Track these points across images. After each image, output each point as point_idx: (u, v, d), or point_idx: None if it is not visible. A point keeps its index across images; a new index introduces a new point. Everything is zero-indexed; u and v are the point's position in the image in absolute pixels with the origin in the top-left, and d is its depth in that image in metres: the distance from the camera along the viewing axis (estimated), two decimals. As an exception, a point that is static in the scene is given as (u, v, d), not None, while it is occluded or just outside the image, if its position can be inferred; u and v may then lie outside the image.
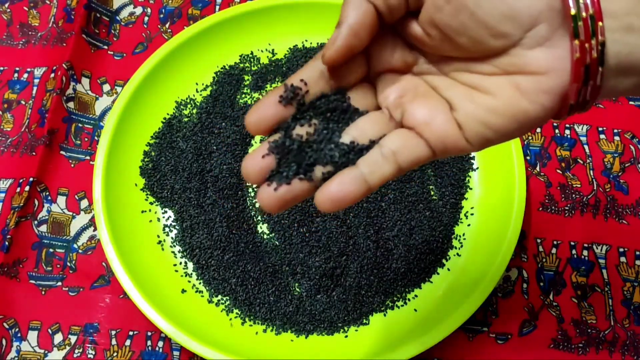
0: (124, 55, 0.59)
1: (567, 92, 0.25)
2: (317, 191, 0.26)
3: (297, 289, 0.48)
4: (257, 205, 0.51)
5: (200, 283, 0.49)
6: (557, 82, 0.25)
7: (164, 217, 0.51)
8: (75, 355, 0.47)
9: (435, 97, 0.28)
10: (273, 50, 0.58)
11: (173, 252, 0.50)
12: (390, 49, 0.29)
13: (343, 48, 0.26)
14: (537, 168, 0.54)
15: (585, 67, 0.24)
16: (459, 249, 0.50)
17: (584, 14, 0.24)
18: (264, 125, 0.27)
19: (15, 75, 0.58)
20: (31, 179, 0.51)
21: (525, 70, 0.25)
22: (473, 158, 0.53)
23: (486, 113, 0.26)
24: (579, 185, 0.53)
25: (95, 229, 0.51)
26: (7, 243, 0.49)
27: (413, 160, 0.27)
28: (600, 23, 0.24)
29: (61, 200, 0.52)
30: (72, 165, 0.54)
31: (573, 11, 0.24)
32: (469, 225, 0.51)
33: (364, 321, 0.47)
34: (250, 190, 0.52)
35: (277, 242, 0.50)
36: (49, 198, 0.52)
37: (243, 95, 0.56)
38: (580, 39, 0.24)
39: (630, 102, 0.57)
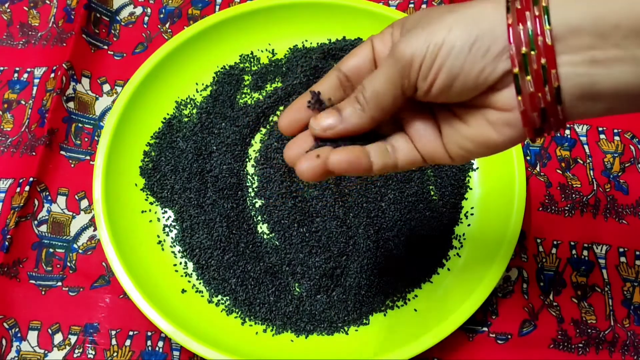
0: (124, 55, 0.59)
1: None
2: (331, 153, 0.30)
3: (297, 289, 0.48)
4: (257, 205, 0.52)
5: (200, 283, 0.49)
6: (519, 118, 0.27)
7: (164, 217, 0.51)
8: (75, 355, 0.47)
9: (428, 117, 0.31)
10: (273, 50, 0.58)
11: (173, 252, 0.50)
12: None
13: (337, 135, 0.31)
14: (537, 168, 0.54)
15: (542, 110, 0.26)
16: (459, 249, 0.50)
17: (535, 65, 0.26)
18: (296, 127, 0.32)
19: (15, 75, 0.58)
20: (31, 179, 0.51)
21: (493, 106, 0.28)
22: (473, 158, 0.53)
23: (462, 139, 0.30)
24: (579, 185, 0.53)
25: (95, 229, 0.51)
26: (7, 243, 0.49)
27: (408, 161, 0.32)
28: (553, 71, 0.25)
29: (61, 200, 0.52)
30: (72, 165, 0.54)
31: (515, 70, 0.26)
32: (469, 225, 0.51)
33: (364, 321, 0.47)
34: (250, 190, 0.52)
35: (277, 242, 0.50)
36: (49, 198, 0.52)
37: (243, 95, 0.56)
38: (526, 92, 0.26)
39: (630, 102, 0.57)
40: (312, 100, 0.32)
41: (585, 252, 0.51)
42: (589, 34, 0.25)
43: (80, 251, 0.51)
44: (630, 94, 0.26)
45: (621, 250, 0.51)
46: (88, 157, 0.54)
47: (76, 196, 0.53)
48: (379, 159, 0.31)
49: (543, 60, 0.25)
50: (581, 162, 0.54)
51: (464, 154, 0.30)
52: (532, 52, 0.25)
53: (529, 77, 0.26)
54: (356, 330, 0.47)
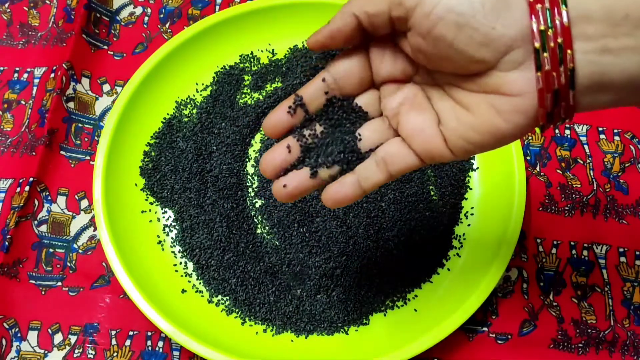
0: (124, 55, 0.59)
1: (537, 114, 0.27)
2: (322, 191, 0.32)
3: (297, 289, 0.48)
4: (257, 205, 0.52)
5: (200, 283, 0.49)
6: (530, 103, 0.26)
7: (164, 217, 0.51)
8: (75, 355, 0.47)
9: (427, 109, 0.30)
10: (273, 50, 0.58)
11: (173, 252, 0.50)
12: (391, 60, 0.31)
13: (318, 43, 0.31)
14: (537, 168, 0.54)
15: (555, 92, 0.26)
16: (459, 249, 0.50)
17: (552, 43, 0.25)
18: (279, 130, 0.33)
19: (15, 75, 0.58)
20: (31, 179, 0.51)
21: (501, 91, 0.27)
22: (473, 158, 0.53)
23: (467, 129, 0.28)
24: (579, 185, 0.53)
25: (95, 229, 0.51)
26: (7, 243, 0.49)
27: (402, 169, 0.31)
28: (569, 51, 0.25)
29: (61, 200, 0.52)
30: (72, 165, 0.54)
31: (537, 44, 0.26)
32: (469, 225, 0.51)
33: (364, 321, 0.47)
34: (250, 190, 0.52)
35: (277, 242, 0.50)
36: (49, 198, 0.52)
37: (243, 95, 0.56)
38: (544, 70, 0.26)
39: (630, 102, 0.57)
40: (292, 105, 0.33)
41: (585, 252, 0.51)
42: (599, 21, 0.25)
43: (80, 251, 0.51)
44: (637, 85, 0.26)
45: (621, 250, 0.51)
46: (88, 157, 0.54)
47: (76, 196, 0.53)
48: (368, 181, 0.31)
49: (560, 39, 0.25)
50: (581, 162, 0.54)
51: (467, 146, 0.29)
52: (550, 31, 0.25)
53: (546, 54, 0.25)
54: (356, 330, 0.47)
